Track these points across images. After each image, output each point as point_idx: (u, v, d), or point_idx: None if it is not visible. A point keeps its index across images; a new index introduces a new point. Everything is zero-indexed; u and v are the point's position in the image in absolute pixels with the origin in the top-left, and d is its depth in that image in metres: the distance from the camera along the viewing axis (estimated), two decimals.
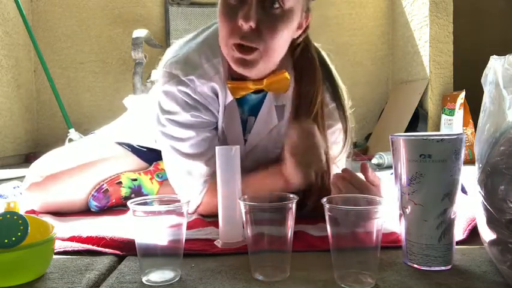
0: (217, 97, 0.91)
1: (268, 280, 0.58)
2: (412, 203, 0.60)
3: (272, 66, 0.87)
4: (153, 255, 0.59)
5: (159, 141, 0.95)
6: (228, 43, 0.80)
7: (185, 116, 0.89)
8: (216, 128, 0.94)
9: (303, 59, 0.90)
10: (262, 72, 0.86)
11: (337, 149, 0.94)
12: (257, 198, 0.63)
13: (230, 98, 0.91)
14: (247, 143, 0.97)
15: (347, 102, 0.96)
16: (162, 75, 0.90)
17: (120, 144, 1.18)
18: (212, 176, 0.89)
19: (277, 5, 0.77)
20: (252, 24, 0.76)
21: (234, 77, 0.90)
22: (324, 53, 0.98)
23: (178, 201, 0.62)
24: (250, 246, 0.60)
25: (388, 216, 0.76)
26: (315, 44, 0.98)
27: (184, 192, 0.92)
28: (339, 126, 0.94)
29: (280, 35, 0.80)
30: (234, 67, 0.84)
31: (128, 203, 0.59)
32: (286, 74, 0.89)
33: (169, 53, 0.92)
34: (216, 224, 0.81)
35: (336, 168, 0.91)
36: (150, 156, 1.17)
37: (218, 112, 0.93)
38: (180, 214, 0.59)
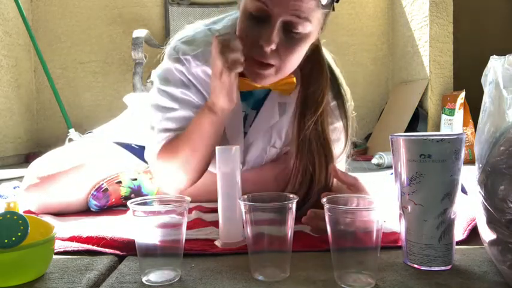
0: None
1: (268, 280, 0.58)
2: (412, 203, 0.60)
3: (284, 77, 0.88)
4: (153, 255, 0.59)
5: (148, 104, 0.96)
6: (247, 55, 0.81)
7: (174, 90, 0.91)
8: None
9: (312, 61, 0.91)
10: (273, 82, 0.87)
11: (337, 147, 0.94)
12: (257, 198, 0.63)
13: None
14: (247, 136, 0.97)
15: (350, 103, 0.96)
16: (167, 51, 0.93)
17: (119, 144, 1.18)
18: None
19: (297, 29, 0.79)
20: (273, 47, 0.78)
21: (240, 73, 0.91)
22: (329, 56, 0.98)
23: (178, 201, 0.62)
24: (250, 246, 0.60)
25: (388, 216, 0.76)
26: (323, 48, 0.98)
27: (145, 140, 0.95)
28: (340, 124, 0.95)
29: (297, 55, 0.83)
30: (248, 76, 0.85)
31: (128, 203, 0.59)
32: (294, 79, 0.90)
33: (179, 34, 0.95)
34: (216, 224, 0.81)
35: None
36: None
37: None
38: (180, 214, 0.59)
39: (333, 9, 0.85)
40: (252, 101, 0.97)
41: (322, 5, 0.78)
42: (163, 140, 0.90)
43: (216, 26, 0.94)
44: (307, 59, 0.91)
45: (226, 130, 0.94)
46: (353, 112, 0.99)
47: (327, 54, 0.98)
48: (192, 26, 0.96)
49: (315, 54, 0.91)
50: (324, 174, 0.87)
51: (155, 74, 0.94)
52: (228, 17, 0.96)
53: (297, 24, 0.78)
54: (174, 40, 0.94)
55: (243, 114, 0.95)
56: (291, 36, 0.79)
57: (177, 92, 0.90)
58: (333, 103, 0.94)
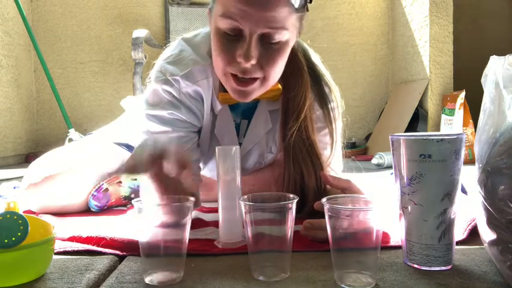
0: (203, 101, 0.90)
1: (268, 280, 0.58)
2: (412, 203, 0.60)
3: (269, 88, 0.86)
4: (157, 255, 0.59)
5: (138, 131, 0.92)
6: (226, 71, 0.79)
7: (163, 113, 0.87)
8: (198, 132, 0.93)
9: (290, 64, 0.89)
10: (258, 95, 0.85)
11: (327, 152, 0.94)
12: (257, 198, 0.63)
13: (220, 105, 0.91)
14: (242, 146, 0.97)
15: (339, 104, 0.95)
16: (153, 74, 0.89)
17: (118, 144, 1.18)
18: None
19: (275, 39, 0.77)
20: (254, 62, 0.75)
21: (224, 88, 0.89)
22: (312, 54, 0.96)
23: (182, 200, 0.62)
24: (250, 247, 0.60)
25: (388, 216, 0.76)
26: (304, 45, 0.97)
27: None
28: (327, 130, 0.94)
29: (279, 65, 0.80)
30: (232, 95, 0.83)
31: (133, 201, 0.59)
32: (279, 86, 0.89)
33: (164, 54, 0.92)
34: (216, 224, 0.81)
35: (331, 171, 0.91)
36: None
37: (203, 116, 0.92)
38: (184, 214, 0.59)
39: (307, 10, 0.82)
40: (241, 111, 0.96)
41: (295, 9, 0.76)
42: None
43: (191, 43, 0.90)
44: (285, 64, 0.90)
45: (220, 142, 0.94)
46: (346, 117, 0.98)
47: (313, 55, 0.96)
48: (174, 45, 0.92)
49: (292, 58, 0.89)
50: (314, 181, 0.85)
51: (142, 98, 0.91)
52: (202, 33, 0.93)
53: (273, 34, 0.76)
54: (160, 61, 0.90)
55: (234, 125, 0.95)
56: (269, 47, 0.77)
57: (167, 114, 0.87)
58: (320, 111, 0.93)
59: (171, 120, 0.87)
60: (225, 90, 0.88)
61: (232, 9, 0.73)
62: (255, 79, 0.80)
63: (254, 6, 0.72)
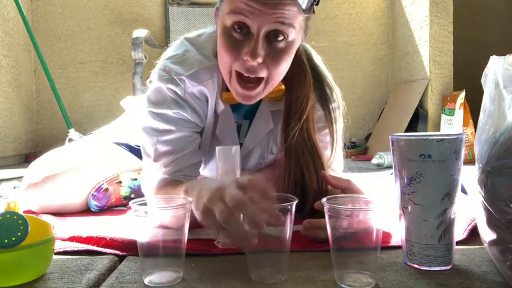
0: (207, 101, 0.90)
1: (264, 281, 0.58)
2: (412, 203, 0.60)
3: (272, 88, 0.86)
4: (156, 255, 0.59)
5: (139, 129, 0.91)
6: (231, 69, 0.80)
7: (168, 112, 0.87)
8: (201, 133, 0.93)
9: (293, 65, 0.88)
10: (261, 97, 0.86)
11: (328, 153, 0.94)
12: None
13: (223, 105, 0.91)
14: (244, 146, 0.97)
15: (340, 105, 0.95)
16: (156, 73, 0.89)
17: (118, 144, 1.18)
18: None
19: (281, 38, 0.77)
20: (260, 60, 0.75)
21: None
22: (315, 55, 0.97)
23: (180, 200, 0.62)
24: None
25: (388, 216, 0.76)
26: (307, 46, 0.97)
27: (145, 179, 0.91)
28: (328, 130, 0.94)
29: (284, 65, 0.81)
30: (236, 98, 0.83)
31: (130, 203, 0.59)
32: (283, 87, 0.89)
33: (167, 53, 0.91)
34: None
35: (331, 171, 0.91)
36: None
37: (206, 116, 0.91)
38: (182, 214, 0.59)
39: (313, 12, 0.83)
40: (243, 112, 0.96)
41: (303, 9, 0.76)
42: (163, 173, 0.85)
43: (195, 43, 0.90)
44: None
45: (221, 142, 0.94)
46: (347, 118, 0.98)
47: (315, 56, 0.96)
48: (177, 44, 0.92)
49: (295, 59, 0.88)
50: (316, 181, 0.85)
51: (144, 96, 0.90)
52: (206, 33, 0.93)
53: (280, 32, 0.76)
54: (162, 61, 0.89)
55: (235, 125, 0.95)
56: (275, 46, 0.77)
57: (172, 113, 0.86)
58: (320, 112, 0.93)
59: (176, 120, 0.87)
60: (229, 90, 0.88)
61: (241, 5, 0.74)
62: (259, 80, 0.80)
63: (263, 3, 0.73)
